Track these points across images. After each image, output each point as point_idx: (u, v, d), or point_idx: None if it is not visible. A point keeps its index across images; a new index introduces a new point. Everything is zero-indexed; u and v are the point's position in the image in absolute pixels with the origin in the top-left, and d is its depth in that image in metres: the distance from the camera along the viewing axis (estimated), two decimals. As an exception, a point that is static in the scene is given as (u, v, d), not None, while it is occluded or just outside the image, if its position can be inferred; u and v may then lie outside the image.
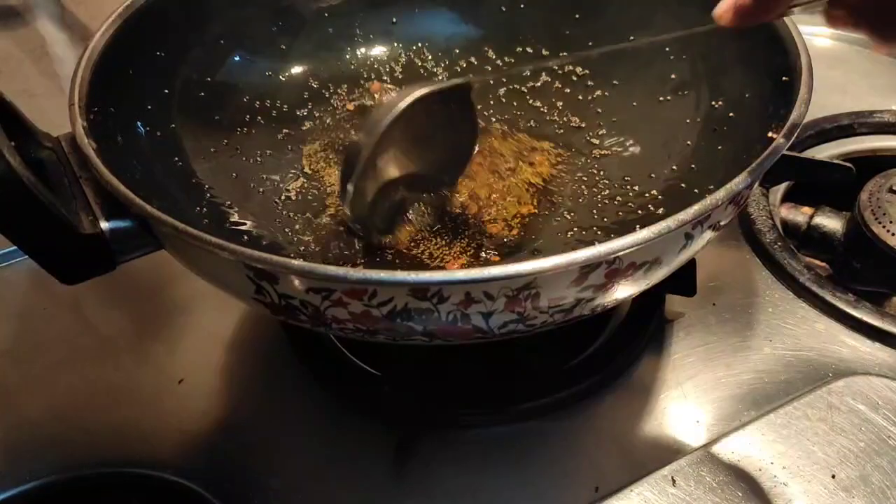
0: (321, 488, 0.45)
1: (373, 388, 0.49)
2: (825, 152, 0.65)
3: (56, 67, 0.85)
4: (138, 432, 0.49)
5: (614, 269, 0.35)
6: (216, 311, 0.55)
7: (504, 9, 0.61)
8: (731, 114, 0.50)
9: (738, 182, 0.36)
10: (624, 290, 0.37)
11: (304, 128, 0.59)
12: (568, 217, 0.51)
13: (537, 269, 0.32)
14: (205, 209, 0.48)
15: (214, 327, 0.55)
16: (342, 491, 0.45)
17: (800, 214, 0.61)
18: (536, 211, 0.52)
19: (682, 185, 0.49)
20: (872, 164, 0.63)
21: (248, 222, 0.50)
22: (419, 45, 0.63)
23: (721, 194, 0.35)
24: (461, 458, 0.46)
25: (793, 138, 0.38)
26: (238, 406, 0.50)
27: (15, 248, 0.57)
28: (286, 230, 0.51)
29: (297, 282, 0.35)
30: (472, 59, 0.62)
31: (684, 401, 0.49)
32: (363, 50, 0.62)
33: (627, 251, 0.33)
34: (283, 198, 0.54)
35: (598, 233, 0.50)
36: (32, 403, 0.51)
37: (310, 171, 0.56)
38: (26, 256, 0.38)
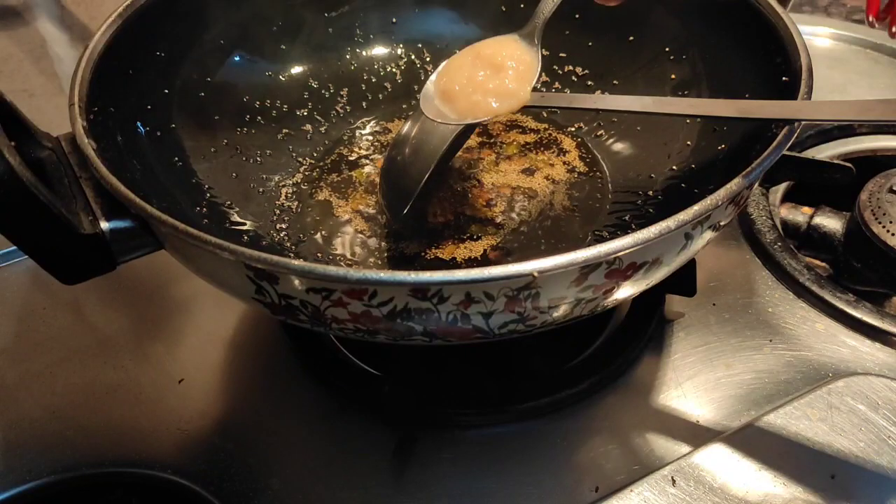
0: (321, 488, 0.45)
1: (373, 388, 0.49)
2: (825, 152, 0.65)
3: (56, 67, 0.85)
4: (138, 432, 0.49)
5: (614, 269, 0.35)
6: (216, 310, 0.55)
7: (504, 9, 0.61)
8: (731, 114, 0.50)
9: (738, 182, 0.36)
10: (624, 291, 0.37)
11: (303, 128, 0.59)
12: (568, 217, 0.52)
13: (536, 269, 0.32)
14: (205, 209, 0.48)
15: (214, 327, 0.55)
16: (342, 491, 0.45)
17: (800, 214, 0.61)
18: (537, 211, 0.52)
19: (682, 185, 0.49)
20: (872, 164, 0.63)
21: (248, 222, 0.50)
22: (419, 45, 0.63)
23: (721, 194, 0.35)
24: (461, 458, 0.46)
25: (793, 138, 0.38)
26: (238, 406, 0.50)
27: (15, 248, 0.57)
28: (286, 230, 0.51)
29: (297, 282, 0.35)
30: (472, 60, 0.62)
31: (684, 401, 0.49)
32: (363, 50, 0.62)
33: (627, 251, 0.33)
34: (283, 198, 0.54)
35: (598, 233, 0.50)
36: (32, 403, 0.51)
37: (311, 172, 0.56)
38: (26, 256, 0.38)
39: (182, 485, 0.46)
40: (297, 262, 0.33)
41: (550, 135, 0.59)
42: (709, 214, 0.35)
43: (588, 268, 0.34)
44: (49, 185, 0.40)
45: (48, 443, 0.48)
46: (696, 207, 0.34)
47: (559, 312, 0.36)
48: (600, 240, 0.48)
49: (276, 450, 0.47)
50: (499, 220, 0.52)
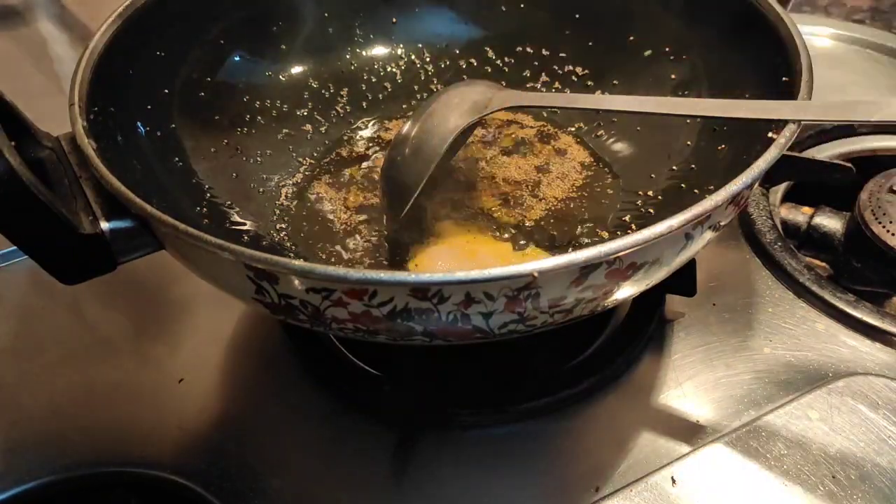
0: (321, 488, 0.45)
1: (373, 388, 0.49)
2: (825, 152, 0.65)
3: (56, 67, 0.85)
4: (138, 432, 0.49)
5: (614, 269, 0.35)
6: (216, 310, 0.55)
7: (504, 9, 0.61)
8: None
9: (738, 182, 0.36)
10: (624, 291, 0.37)
11: (303, 128, 0.59)
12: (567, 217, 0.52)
13: (536, 269, 0.32)
14: (205, 209, 0.48)
15: (214, 327, 0.55)
16: (342, 491, 0.45)
17: (800, 214, 0.61)
18: (536, 211, 0.52)
19: (682, 185, 0.49)
20: (872, 164, 0.63)
21: (248, 222, 0.50)
22: (419, 45, 0.63)
23: (721, 195, 0.35)
24: (461, 458, 0.46)
25: (793, 138, 0.38)
26: (238, 405, 0.50)
27: (15, 248, 0.57)
28: (286, 230, 0.51)
29: (297, 282, 0.35)
30: (472, 60, 0.62)
31: (684, 401, 0.49)
32: (363, 50, 0.62)
33: (628, 251, 0.33)
34: (283, 198, 0.54)
35: (599, 233, 0.50)
36: (32, 403, 0.51)
37: (311, 172, 0.56)
38: (26, 256, 0.38)
39: (182, 484, 0.46)
40: (297, 263, 0.33)
41: (550, 134, 0.59)
42: (709, 215, 0.35)
43: (588, 268, 0.34)
44: (49, 185, 0.40)
45: (48, 443, 0.48)
46: (697, 208, 0.34)
47: (559, 312, 0.36)
48: (600, 240, 0.48)
49: (276, 450, 0.47)
50: (497, 219, 0.52)
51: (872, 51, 0.77)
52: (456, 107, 0.49)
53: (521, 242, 0.50)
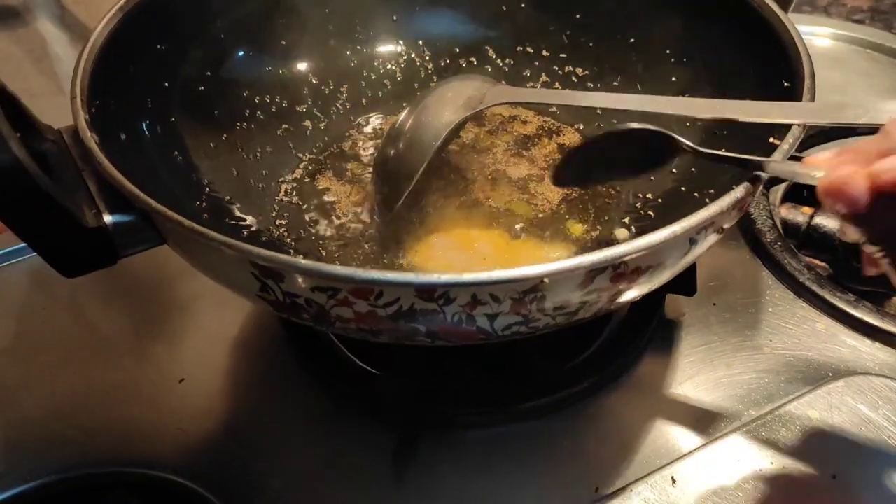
0: (321, 488, 0.45)
1: (373, 388, 0.49)
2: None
3: (56, 67, 0.84)
4: (138, 432, 0.48)
5: (619, 273, 0.35)
6: (217, 310, 0.55)
7: (504, 9, 0.61)
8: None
9: (744, 188, 0.36)
10: (628, 294, 0.37)
11: (303, 124, 0.59)
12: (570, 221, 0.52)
13: (545, 273, 0.32)
14: (205, 204, 0.48)
15: (215, 326, 0.54)
16: (342, 491, 0.45)
17: (800, 214, 0.61)
18: (534, 210, 0.52)
19: (683, 188, 0.49)
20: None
21: (249, 218, 0.50)
22: (419, 43, 0.62)
23: (726, 200, 0.35)
24: (461, 458, 0.46)
25: (797, 144, 0.38)
26: (239, 406, 0.50)
27: (15, 248, 0.57)
28: (286, 226, 0.51)
29: (302, 281, 0.34)
30: (472, 59, 0.62)
31: (685, 400, 0.49)
32: (364, 47, 0.62)
33: (634, 256, 0.33)
34: (282, 193, 0.54)
35: (598, 235, 0.50)
36: (32, 403, 0.50)
37: (310, 168, 0.56)
38: (26, 256, 0.38)
39: (182, 485, 0.45)
40: (303, 261, 0.33)
41: (550, 132, 0.59)
42: (713, 220, 0.35)
43: (594, 272, 0.34)
44: (52, 178, 0.39)
45: (48, 443, 0.48)
46: (703, 213, 0.34)
47: (563, 315, 0.36)
48: (597, 239, 0.48)
49: (276, 450, 0.47)
50: (496, 216, 0.52)
51: (872, 51, 0.77)
52: (450, 102, 0.49)
53: (517, 232, 0.50)
